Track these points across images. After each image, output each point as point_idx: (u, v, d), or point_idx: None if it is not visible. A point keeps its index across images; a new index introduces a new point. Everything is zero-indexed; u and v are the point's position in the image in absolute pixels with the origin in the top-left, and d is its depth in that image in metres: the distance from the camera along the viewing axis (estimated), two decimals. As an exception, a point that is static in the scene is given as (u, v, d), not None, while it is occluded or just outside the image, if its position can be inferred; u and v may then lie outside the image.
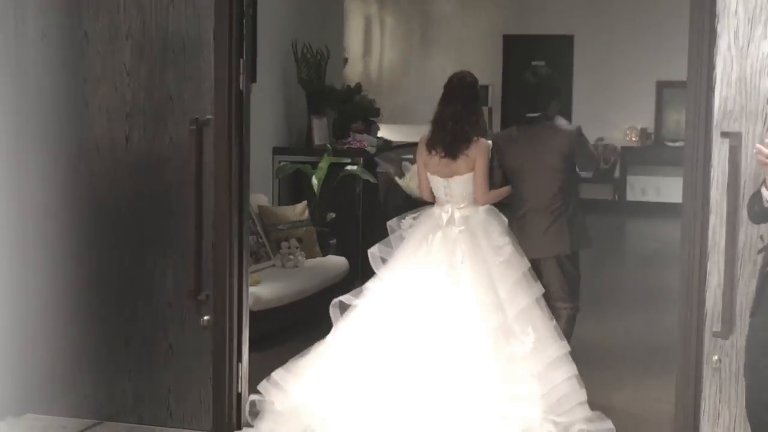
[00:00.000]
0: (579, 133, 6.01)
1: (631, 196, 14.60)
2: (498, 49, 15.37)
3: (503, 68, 15.31)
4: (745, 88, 4.51)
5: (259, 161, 8.31)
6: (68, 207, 5.38)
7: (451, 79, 6.01)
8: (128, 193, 5.31)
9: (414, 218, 6.06)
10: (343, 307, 5.77)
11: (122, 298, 5.35)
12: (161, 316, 5.32)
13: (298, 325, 7.67)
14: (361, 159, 8.97)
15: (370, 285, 5.82)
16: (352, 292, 5.81)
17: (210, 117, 5.14)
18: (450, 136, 5.90)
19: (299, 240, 8.06)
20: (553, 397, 5.42)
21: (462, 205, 5.95)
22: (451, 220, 5.90)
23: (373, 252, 5.95)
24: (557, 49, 14.95)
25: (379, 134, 10.21)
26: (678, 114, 14.00)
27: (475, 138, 5.91)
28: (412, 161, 6.31)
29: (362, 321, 5.68)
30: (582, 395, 5.48)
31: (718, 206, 4.54)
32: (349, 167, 8.70)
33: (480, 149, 5.89)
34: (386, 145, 9.96)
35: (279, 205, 8.79)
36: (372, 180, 8.75)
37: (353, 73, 14.21)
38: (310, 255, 8.08)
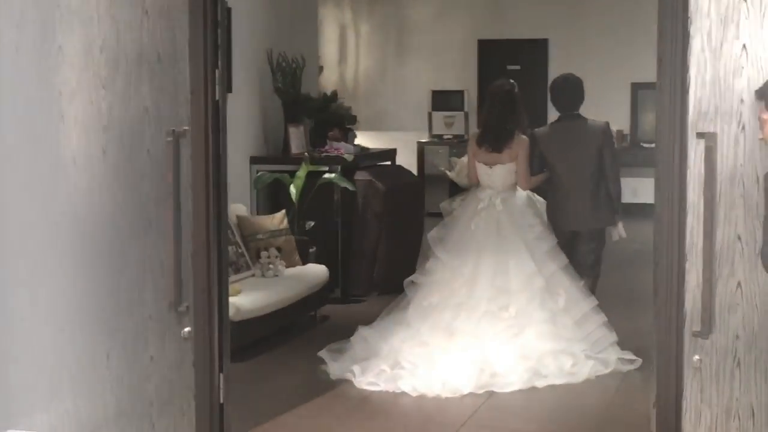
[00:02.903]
0: (607, 128, 7.33)
1: (608, 198, 14.61)
2: (473, 54, 15.41)
3: (478, 73, 15.34)
4: (719, 89, 4.54)
5: (236, 171, 8.31)
6: (46, 221, 5.36)
7: (493, 88, 7.45)
8: (106, 206, 5.29)
9: (462, 200, 7.55)
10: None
11: (102, 311, 5.33)
12: (142, 328, 5.30)
13: (280, 334, 7.67)
14: (339, 167, 8.98)
15: (431, 265, 7.32)
16: (419, 271, 7.44)
17: (186, 128, 5.13)
18: (495, 134, 7.31)
19: (279, 249, 8.06)
20: (589, 341, 6.91)
21: (501, 189, 7.35)
22: (492, 202, 7.30)
23: (432, 235, 7.45)
24: (532, 53, 15.01)
25: (356, 141, 10.21)
26: (653, 115, 14.06)
27: (516, 133, 7.31)
28: (459, 156, 8.06)
29: (429, 292, 7.14)
30: (613, 337, 7.01)
31: (694, 207, 4.56)
32: (327, 175, 8.71)
33: (521, 144, 7.30)
34: (364, 152, 9.97)
35: (258, 214, 8.78)
36: (350, 187, 8.76)
37: (329, 81, 14.24)
38: (289, 264, 8.08)
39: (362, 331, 7.05)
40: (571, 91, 7.40)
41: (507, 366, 6.60)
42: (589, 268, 7.38)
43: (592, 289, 7.33)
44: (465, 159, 7.64)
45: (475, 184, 7.47)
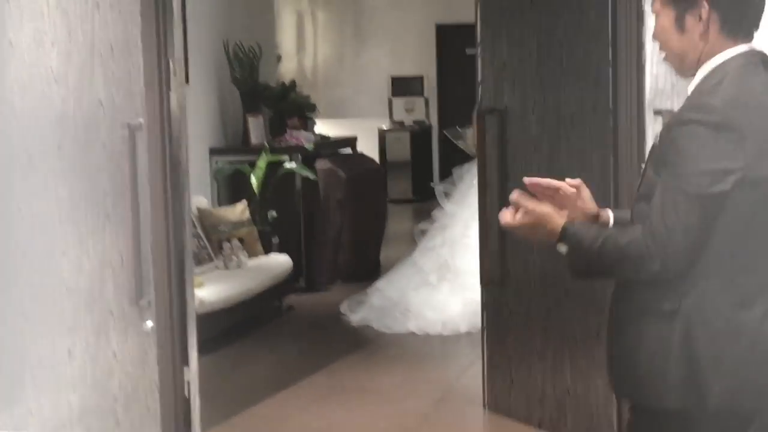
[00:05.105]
0: None
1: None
2: (431, 39, 15.39)
3: (437, 58, 15.32)
4: (675, 66, 4.54)
5: (196, 163, 8.24)
6: (1, 221, 5.29)
7: None
8: (63, 202, 5.22)
9: (470, 164, 8.27)
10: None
11: (62, 308, 5.27)
12: (103, 324, 5.24)
13: (245, 325, 7.63)
14: (299, 156, 8.93)
15: (435, 213, 8.50)
16: (427, 220, 8.62)
17: (142, 121, 5.07)
18: None
19: (241, 240, 8.01)
20: None
21: None
22: None
23: (438, 189, 8.61)
24: (490, 37, 14.97)
25: (316, 130, 10.17)
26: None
27: None
28: (467, 127, 8.89)
29: (432, 236, 8.37)
30: None
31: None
32: (287, 165, 8.66)
33: None
34: (324, 141, 9.93)
35: (218, 206, 8.72)
36: (311, 176, 8.72)
37: (288, 69, 14.16)
38: (252, 254, 8.04)
39: (377, 284, 8.21)
40: None
41: None
42: None
43: None
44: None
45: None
